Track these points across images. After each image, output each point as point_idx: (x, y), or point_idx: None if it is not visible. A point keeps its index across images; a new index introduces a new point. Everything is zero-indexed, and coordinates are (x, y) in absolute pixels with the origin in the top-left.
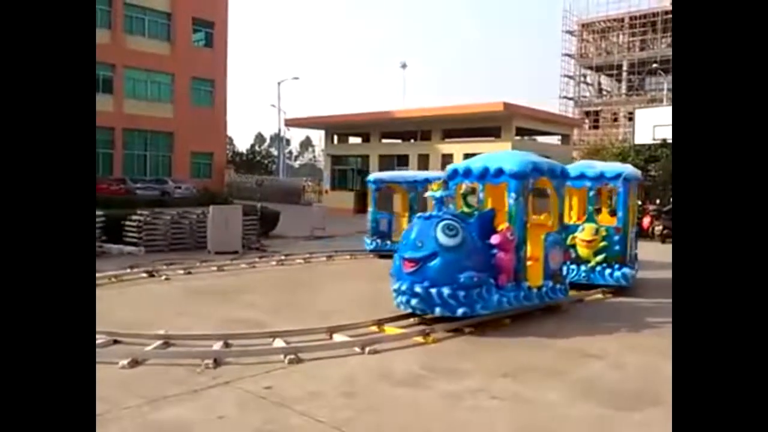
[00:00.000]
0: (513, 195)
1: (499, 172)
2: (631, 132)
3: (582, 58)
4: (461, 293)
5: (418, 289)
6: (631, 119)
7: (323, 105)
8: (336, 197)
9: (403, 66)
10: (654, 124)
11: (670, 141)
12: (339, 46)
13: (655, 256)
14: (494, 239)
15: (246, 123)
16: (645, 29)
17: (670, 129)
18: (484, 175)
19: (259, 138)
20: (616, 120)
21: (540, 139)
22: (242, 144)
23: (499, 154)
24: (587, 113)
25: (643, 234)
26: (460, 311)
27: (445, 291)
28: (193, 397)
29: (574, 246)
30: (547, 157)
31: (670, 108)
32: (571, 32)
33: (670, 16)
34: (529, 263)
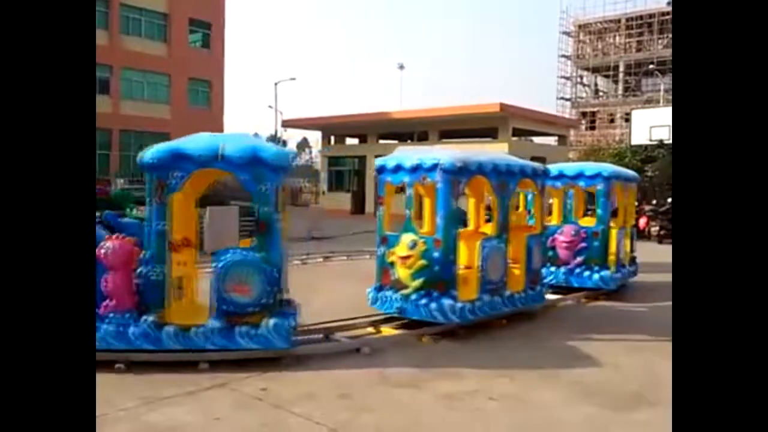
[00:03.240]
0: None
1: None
2: (628, 133)
3: (579, 59)
4: None
5: None
6: (627, 120)
7: (320, 106)
8: (333, 198)
9: (401, 67)
10: (650, 125)
11: (667, 142)
12: (336, 46)
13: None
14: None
15: (243, 124)
16: (641, 30)
17: (666, 130)
18: None
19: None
20: (612, 121)
21: (537, 139)
22: None
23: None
24: (584, 114)
25: (640, 234)
26: None
27: None
28: (189, 398)
29: (392, 264)
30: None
31: (667, 109)
32: (567, 33)
33: (667, 17)
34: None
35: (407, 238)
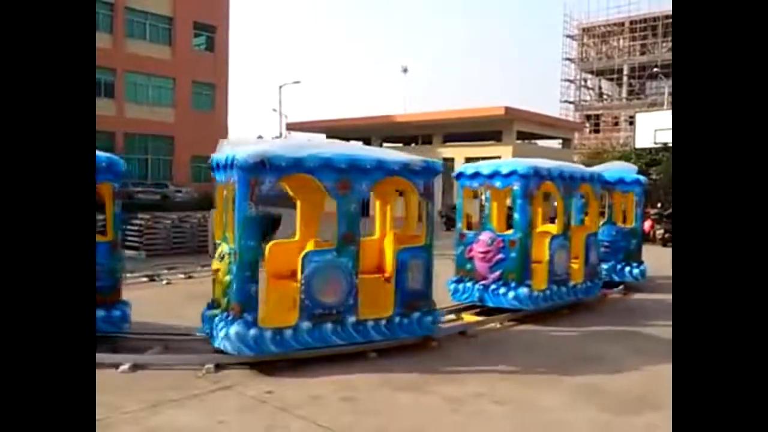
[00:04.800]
0: None
1: None
2: (632, 136)
3: (583, 62)
4: None
5: None
6: (631, 123)
7: (324, 109)
8: None
9: (405, 70)
10: (655, 128)
11: (671, 145)
12: (340, 50)
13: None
14: None
15: (247, 127)
16: (645, 33)
17: (670, 133)
18: None
19: None
20: (616, 124)
21: (541, 143)
22: None
23: None
24: (588, 117)
25: (645, 238)
26: None
27: None
28: (193, 401)
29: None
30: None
31: (671, 112)
32: (571, 36)
33: (671, 20)
34: None
35: (220, 249)
